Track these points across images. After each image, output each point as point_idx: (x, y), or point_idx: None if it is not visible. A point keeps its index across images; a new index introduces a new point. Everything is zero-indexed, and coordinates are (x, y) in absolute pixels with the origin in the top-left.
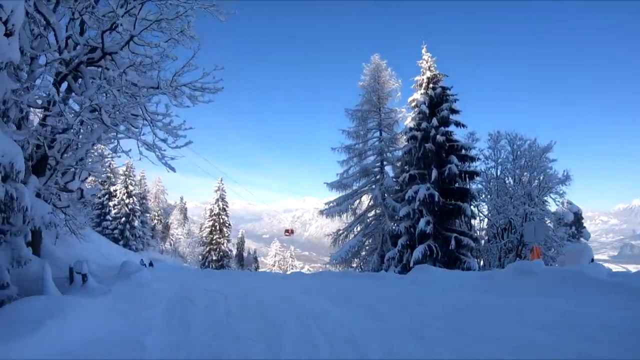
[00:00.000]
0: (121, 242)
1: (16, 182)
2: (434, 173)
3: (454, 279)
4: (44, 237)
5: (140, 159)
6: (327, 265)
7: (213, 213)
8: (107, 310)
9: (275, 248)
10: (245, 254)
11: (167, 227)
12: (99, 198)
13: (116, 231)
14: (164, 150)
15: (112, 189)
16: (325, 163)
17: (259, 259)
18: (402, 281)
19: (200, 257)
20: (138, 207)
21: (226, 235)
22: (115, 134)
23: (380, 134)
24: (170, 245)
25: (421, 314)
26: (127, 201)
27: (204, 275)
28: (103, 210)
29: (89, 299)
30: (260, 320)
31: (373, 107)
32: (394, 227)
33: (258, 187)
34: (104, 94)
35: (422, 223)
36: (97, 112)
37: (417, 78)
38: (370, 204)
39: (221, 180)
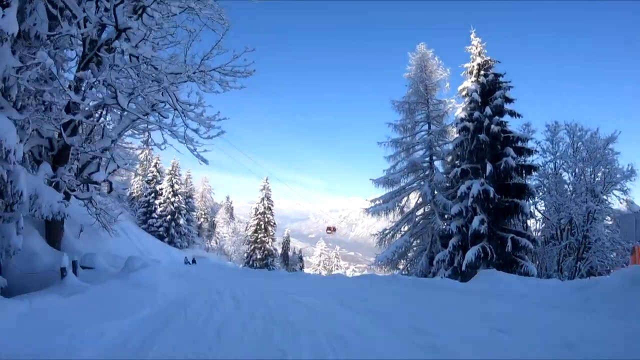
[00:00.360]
0: (166, 240)
1: (8, 163)
2: (489, 167)
3: (532, 289)
4: (65, 229)
5: (163, 148)
6: (372, 267)
7: (258, 212)
8: (41, 317)
9: (321, 248)
10: (290, 253)
11: (213, 225)
12: (146, 197)
13: (161, 229)
14: (196, 142)
15: (158, 187)
16: (372, 161)
17: (304, 258)
18: (466, 292)
19: (245, 255)
20: (184, 206)
21: (271, 234)
22: (145, 125)
23: (429, 127)
24: (216, 243)
25: (513, 350)
26: (172, 199)
27: (238, 274)
28: (149, 208)
29: (57, 298)
30: (261, 347)
31: (420, 98)
32: (444, 227)
33: (305, 186)
34: (122, 76)
35: (475, 222)
36: (114, 97)
37: (466, 65)
38: (418, 201)
39: (266, 180)
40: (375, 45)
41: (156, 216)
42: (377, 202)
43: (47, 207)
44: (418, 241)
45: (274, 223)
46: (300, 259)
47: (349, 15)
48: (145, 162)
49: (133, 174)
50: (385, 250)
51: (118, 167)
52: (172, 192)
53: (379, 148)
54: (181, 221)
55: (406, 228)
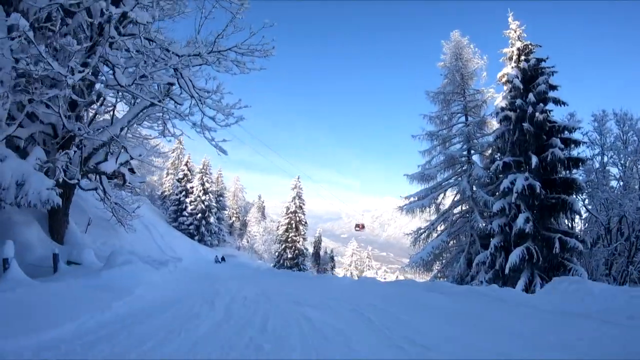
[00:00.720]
0: (196, 238)
1: None
2: (534, 159)
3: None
4: (71, 222)
5: (180, 138)
6: (406, 269)
7: (289, 211)
8: None
9: (353, 248)
10: (322, 253)
11: (245, 224)
12: (176, 195)
13: (192, 227)
14: (214, 130)
15: (189, 186)
16: (405, 159)
17: (335, 258)
18: (542, 309)
19: (275, 254)
20: (214, 204)
21: (302, 233)
22: (160, 113)
23: (466, 119)
24: (247, 242)
25: None
26: (203, 198)
27: (259, 274)
28: (180, 207)
29: None
30: None
31: (456, 88)
32: (484, 225)
33: (337, 185)
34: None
35: (520, 220)
36: (112, 73)
37: (505, 50)
38: (455, 199)
39: (298, 178)
40: (407, 35)
41: (187, 214)
42: (412, 199)
43: (34, 194)
44: (454, 241)
45: (305, 222)
46: (332, 258)
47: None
48: (176, 161)
49: (165, 172)
50: (420, 250)
51: (131, 158)
52: (202, 191)
53: (414, 142)
54: (211, 219)
55: (442, 227)
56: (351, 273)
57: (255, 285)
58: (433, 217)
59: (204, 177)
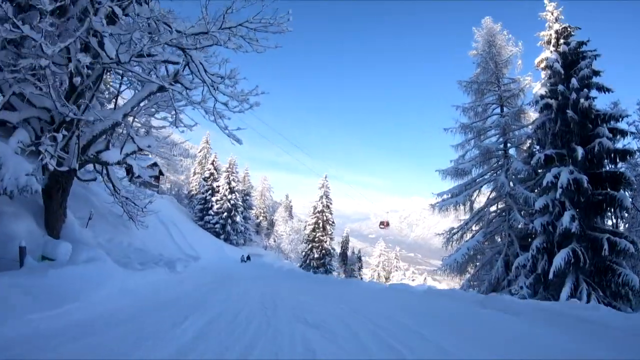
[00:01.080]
0: (222, 237)
1: None
2: (579, 151)
3: None
4: (70, 216)
5: (184, 128)
6: (438, 271)
7: (317, 210)
8: None
9: (380, 248)
10: (349, 253)
11: (272, 224)
12: (203, 194)
13: (217, 226)
14: (229, 118)
15: (215, 185)
16: (433, 157)
17: (363, 258)
18: None
19: (302, 254)
20: (240, 203)
21: (329, 233)
22: (170, 100)
23: (502, 110)
24: (274, 241)
25: None
26: (229, 197)
27: (279, 276)
28: (206, 205)
29: None
30: None
31: (490, 77)
32: (524, 225)
33: (364, 186)
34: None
35: (566, 218)
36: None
37: (542, 33)
38: (491, 196)
39: (325, 177)
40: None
41: (212, 213)
42: (445, 196)
43: (11, 179)
44: (488, 243)
45: (333, 222)
46: (359, 259)
47: None
48: (203, 160)
49: (192, 171)
50: (453, 252)
51: (139, 149)
52: (228, 190)
53: (445, 136)
54: (238, 218)
55: (476, 227)
56: (378, 274)
57: (266, 290)
58: (466, 216)
59: (230, 175)
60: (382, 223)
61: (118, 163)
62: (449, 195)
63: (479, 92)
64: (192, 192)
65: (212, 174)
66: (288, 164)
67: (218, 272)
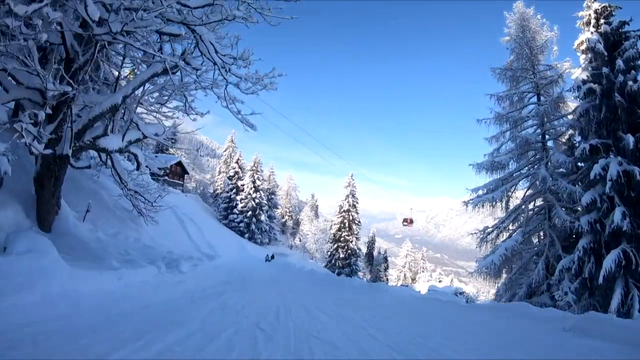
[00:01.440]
0: (246, 236)
1: None
2: (629, 140)
3: None
4: (66, 207)
5: (195, 115)
6: (473, 274)
7: (342, 209)
8: None
9: (407, 248)
10: (375, 254)
11: (297, 223)
12: (227, 192)
13: (242, 224)
14: (242, 102)
15: (239, 183)
16: (461, 160)
17: (389, 258)
18: None
19: (327, 254)
20: (265, 202)
21: (355, 232)
22: (178, 81)
23: (538, 99)
24: (300, 241)
25: None
26: (254, 195)
27: (298, 280)
28: (230, 204)
29: None
30: None
31: (525, 63)
32: (569, 223)
33: (390, 186)
34: None
35: (617, 215)
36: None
37: (580, 14)
38: (527, 193)
39: (351, 176)
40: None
41: (237, 212)
42: (480, 192)
43: None
44: (522, 243)
45: (359, 221)
46: (385, 259)
47: None
48: (228, 159)
49: (218, 170)
50: (490, 253)
51: (144, 137)
52: (253, 188)
53: (479, 128)
54: (262, 217)
55: (512, 226)
56: (404, 275)
57: (276, 299)
58: (502, 214)
59: (255, 174)
60: (405, 220)
61: (120, 151)
62: (484, 191)
63: (513, 80)
64: (217, 191)
65: (236, 172)
66: (314, 165)
67: (233, 272)
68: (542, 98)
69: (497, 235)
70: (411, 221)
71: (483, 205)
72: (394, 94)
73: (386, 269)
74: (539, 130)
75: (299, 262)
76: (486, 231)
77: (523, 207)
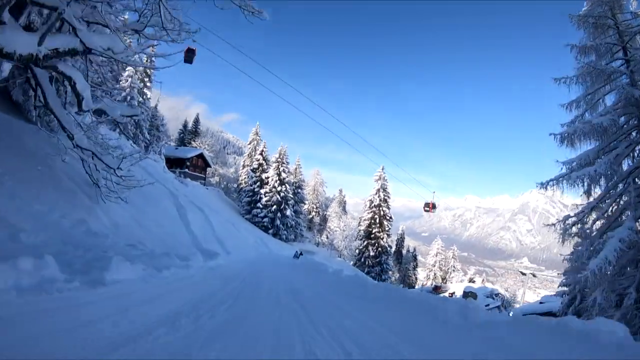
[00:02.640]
0: (271, 231)
1: None
2: None
3: None
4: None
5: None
6: (585, 280)
7: (373, 204)
8: None
9: (437, 247)
10: (404, 252)
11: (324, 219)
12: (251, 185)
13: (266, 219)
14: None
15: (264, 176)
16: (484, 157)
17: (417, 257)
18: None
19: (356, 251)
20: (291, 196)
21: (386, 229)
22: None
23: (625, 53)
24: (327, 237)
25: None
26: (279, 189)
27: (317, 285)
28: (254, 198)
29: None
30: None
31: (608, 10)
32: None
33: (417, 183)
34: None
35: None
36: None
37: None
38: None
39: (382, 169)
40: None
41: (261, 206)
42: (570, 165)
43: None
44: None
45: (390, 217)
46: (415, 258)
47: None
48: (252, 152)
49: (242, 163)
50: (603, 251)
51: (88, 49)
52: (278, 181)
53: (558, 87)
54: (288, 212)
55: (611, 212)
56: (434, 275)
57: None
58: (582, 200)
59: (280, 166)
60: (427, 205)
61: (32, 59)
62: (576, 165)
63: (596, 28)
64: (241, 185)
65: (260, 164)
66: (340, 162)
67: (229, 281)
68: (628, 52)
69: (593, 223)
70: (433, 206)
71: (579, 184)
72: (426, 93)
73: (415, 267)
74: None
75: (325, 263)
76: (571, 218)
77: (634, 181)
